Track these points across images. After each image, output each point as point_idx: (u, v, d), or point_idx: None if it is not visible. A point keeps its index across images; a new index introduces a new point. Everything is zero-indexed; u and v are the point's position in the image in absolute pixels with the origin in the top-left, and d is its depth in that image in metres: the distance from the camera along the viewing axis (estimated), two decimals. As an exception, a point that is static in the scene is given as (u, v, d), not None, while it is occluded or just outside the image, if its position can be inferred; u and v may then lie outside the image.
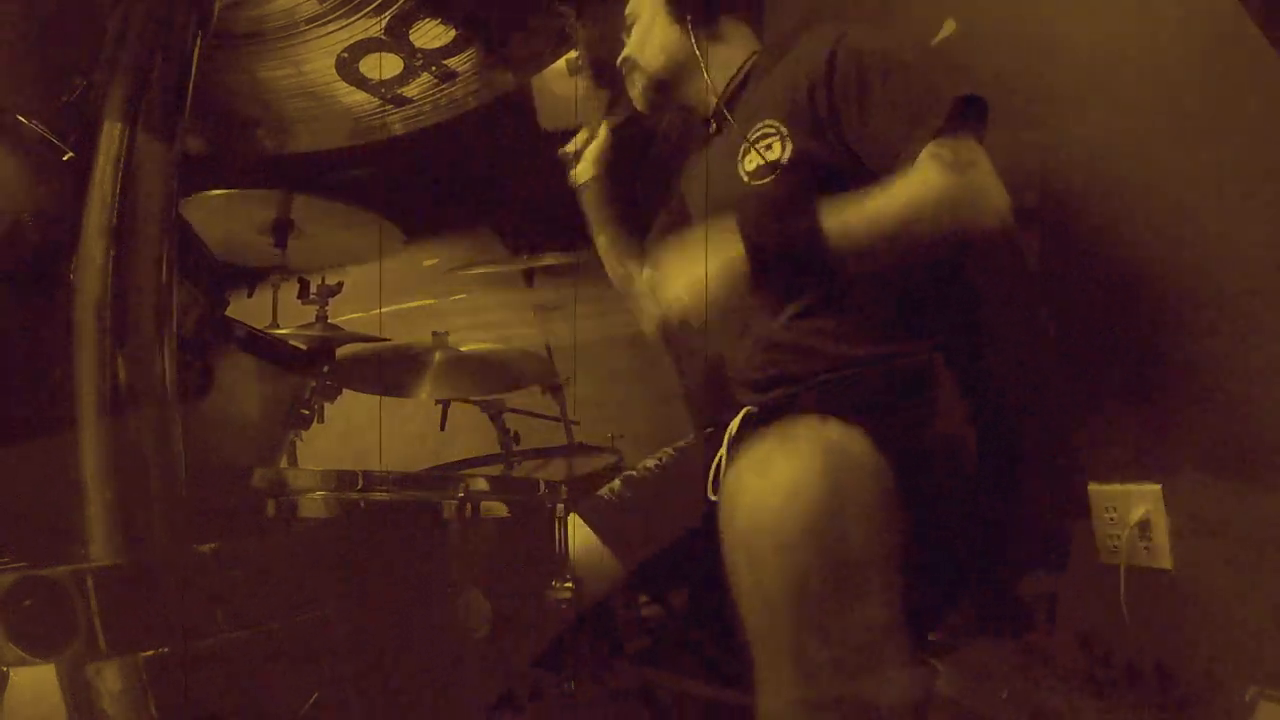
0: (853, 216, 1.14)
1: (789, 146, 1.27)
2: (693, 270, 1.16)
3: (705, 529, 1.26)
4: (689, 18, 1.41)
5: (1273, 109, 1.14)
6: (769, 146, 1.29)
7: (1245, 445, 1.23)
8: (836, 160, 1.25)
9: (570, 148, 1.68)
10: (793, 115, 1.28)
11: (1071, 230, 1.44)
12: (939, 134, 1.16)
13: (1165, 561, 1.33)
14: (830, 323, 1.26)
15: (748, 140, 1.32)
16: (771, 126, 1.30)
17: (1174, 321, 1.31)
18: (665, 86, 1.45)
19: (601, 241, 1.73)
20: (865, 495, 0.98)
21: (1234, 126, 1.19)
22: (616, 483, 1.39)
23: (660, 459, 1.41)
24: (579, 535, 1.23)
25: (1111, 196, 1.37)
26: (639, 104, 1.49)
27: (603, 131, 1.63)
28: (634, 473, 1.40)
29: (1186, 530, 1.31)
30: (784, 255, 1.16)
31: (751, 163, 1.31)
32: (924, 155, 1.15)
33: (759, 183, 1.30)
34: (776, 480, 0.97)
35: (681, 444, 1.42)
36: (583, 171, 1.68)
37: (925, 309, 1.26)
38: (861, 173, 1.24)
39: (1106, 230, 1.38)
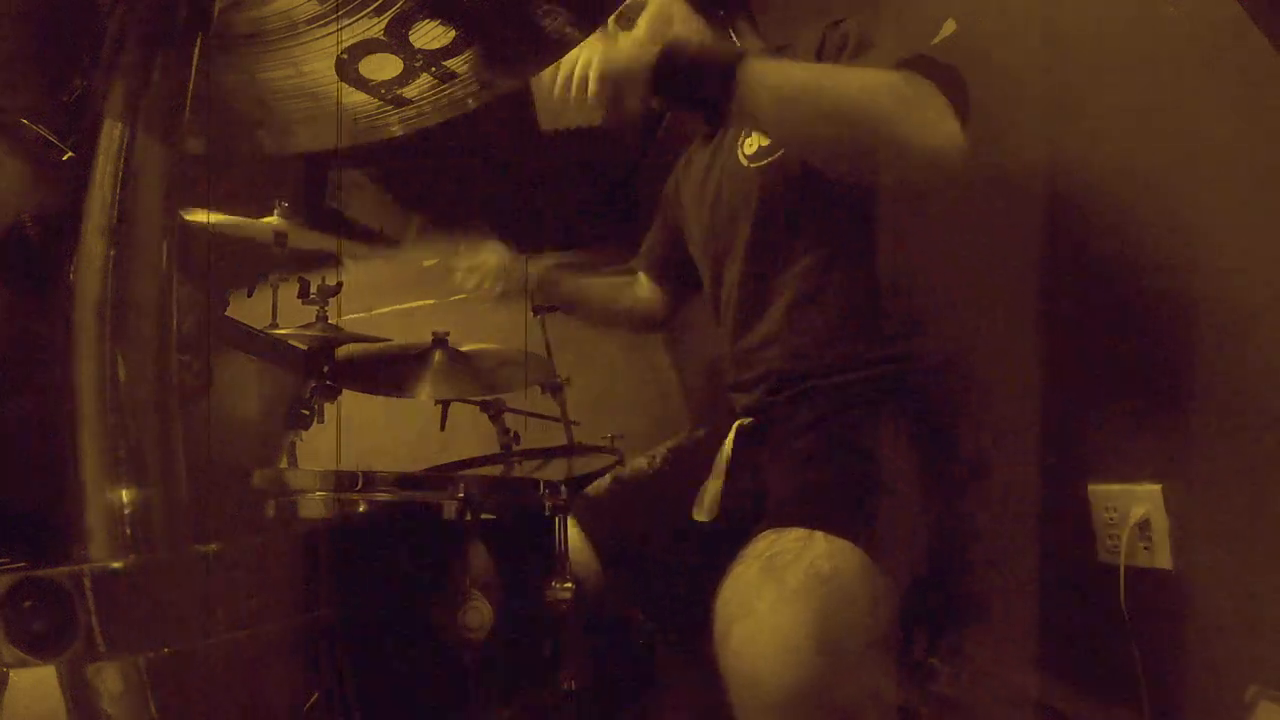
0: (782, 66, 1.09)
1: None
2: (594, 53, 1.10)
3: (694, 542, 1.26)
4: (722, 12, 1.40)
5: (1274, 106, 1.14)
6: None
7: (1245, 445, 1.23)
8: None
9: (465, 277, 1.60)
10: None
11: (1072, 228, 1.44)
12: (908, 65, 1.10)
13: (1165, 561, 1.33)
14: (821, 321, 1.26)
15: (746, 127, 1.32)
16: None
17: (1175, 320, 1.31)
18: None
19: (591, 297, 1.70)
20: (860, 629, 0.96)
21: (1237, 124, 1.19)
22: (607, 480, 1.39)
23: (653, 458, 1.40)
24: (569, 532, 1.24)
25: (1112, 195, 1.37)
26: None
27: (493, 242, 1.60)
28: (625, 472, 1.40)
29: (1186, 530, 1.31)
30: (693, 66, 1.09)
31: (751, 145, 1.31)
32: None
33: (759, 164, 1.29)
34: (764, 630, 0.93)
35: (674, 443, 1.42)
36: (505, 275, 1.59)
37: (915, 311, 1.26)
38: None
39: (1107, 228, 1.38)
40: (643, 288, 1.72)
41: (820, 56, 1.25)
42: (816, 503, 1.06)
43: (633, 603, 1.41)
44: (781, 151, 1.26)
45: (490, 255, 1.58)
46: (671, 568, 1.30)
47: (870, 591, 0.97)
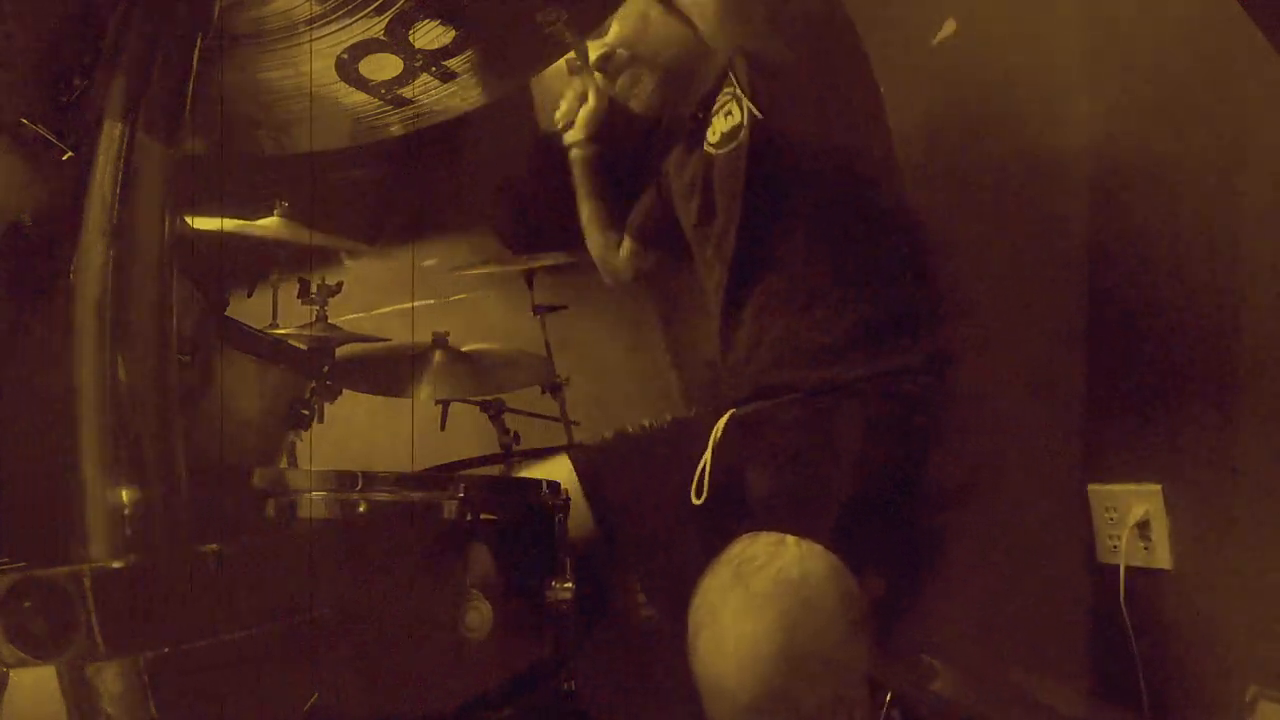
0: None
1: (746, 105, 1.26)
2: None
3: (689, 526, 1.26)
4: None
5: (1273, 103, 1.14)
6: (729, 113, 1.29)
7: (1245, 445, 1.23)
8: (797, 114, 1.23)
9: (561, 115, 1.66)
10: (747, 76, 1.27)
11: (1071, 228, 1.43)
12: None
13: (1165, 561, 1.33)
14: (802, 319, 1.25)
15: (710, 116, 1.32)
16: (728, 94, 1.29)
17: (1175, 319, 1.31)
18: (678, 81, 1.42)
19: (585, 210, 1.74)
20: (829, 633, 0.96)
21: (1236, 123, 1.19)
22: (609, 433, 1.39)
23: (656, 421, 1.41)
24: (563, 476, 1.24)
25: (1112, 194, 1.37)
26: (644, 106, 1.44)
27: (592, 97, 1.61)
28: (628, 428, 1.41)
29: (1186, 530, 1.31)
30: None
31: (714, 133, 1.31)
32: None
33: (725, 149, 1.29)
34: (728, 637, 0.94)
35: (680, 416, 1.42)
36: (575, 134, 1.66)
37: (913, 319, 1.25)
38: (824, 133, 1.23)
39: (1106, 228, 1.38)
40: (623, 248, 1.74)
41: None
42: (791, 506, 1.06)
43: (632, 578, 1.41)
44: (743, 135, 1.25)
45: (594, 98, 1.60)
46: (667, 544, 1.31)
47: (840, 596, 0.97)
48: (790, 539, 0.99)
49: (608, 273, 1.79)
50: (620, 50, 1.39)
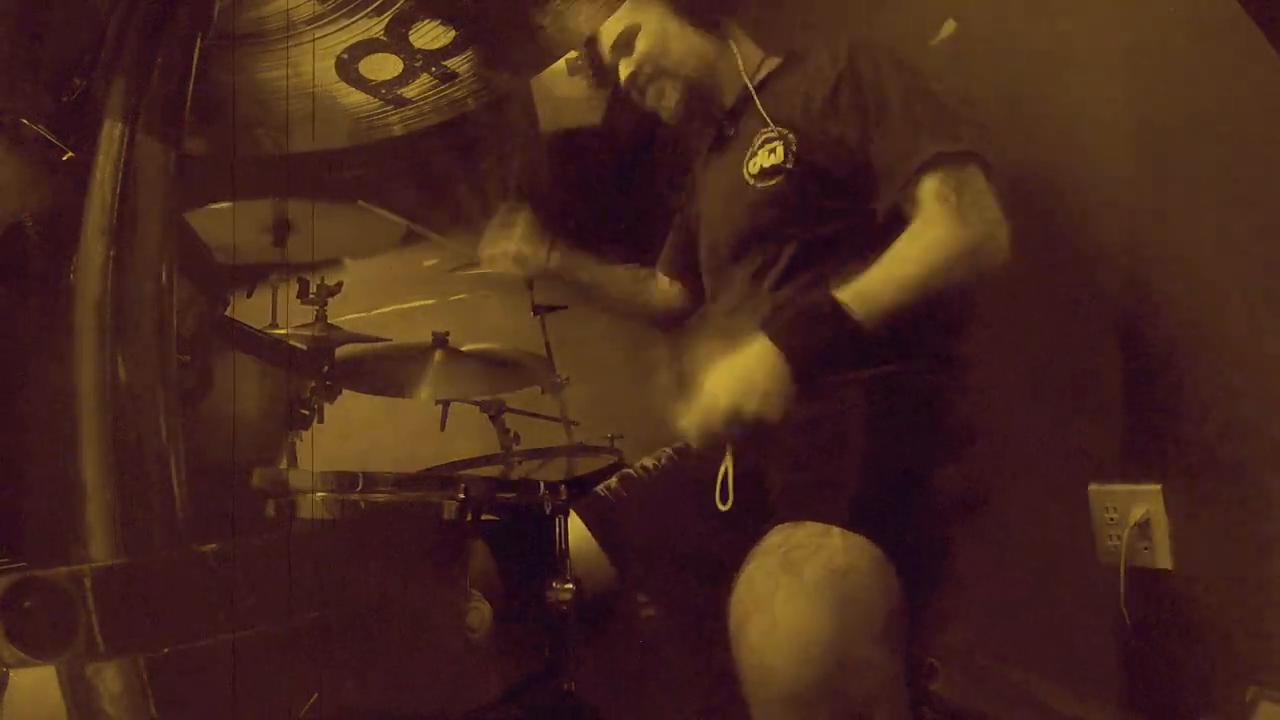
0: (875, 293, 1.13)
1: (792, 151, 1.28)
2: (735, 380, 1.13)
3: (707, 533, 1.26)
4: (719, 20, 1.42)
5: (1271, 108, 1.14)
6: (772, 150, 1.30)
7: (1245, 445, 1.23)
8: (840, 167, 1.25)
9: (489, 263, 1.59)
10: (803, 120, 1.29)
11: (1073, 230, 1.43)
12: (944, 161, 1.16)
13: (1165, 561, 1.33)
14: None
15: (754, 144, 1.33)
16: (775, 132, 1.31)
17: (1175, 320, 1.31)
18: (701, 92, 1.44)
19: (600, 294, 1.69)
20: (873, 624, 0.96)
21: (1235, 127, 1.19)
22: (614, 481, 1.39)
23: (659, 459, 1.41)
24: (575, 533, 1.23)
25: (1114, 196, 1.37)
26: (671, 117, 1.46)
27: (522, 218, 1.57)
28: (631, 472, 1.40)
29: (1186, 530, 1.31)
30: (823, 356, 1.14)
31: (756, 165, 1.32)
32: (929, 194, 1.15)
33: (764, 185, 1.31)
34: (780, 624, 0.94)
35: (681, 444, 1.42)
36: (526, 262, 1.59)
37: (925, 319, 1.26)
38: (864, 181, 1.24)
39: (1108, 229, 1.38)
40: (661, 283, 1.73)
41: (850, 92, 1.26)
42: (831, 498, 1.06)
43: (639, 591, 1.41)
44: (784, 175, 1.28)
45: (513, 241, 1.56)
46: (679, 560, 1.31)
47: (884, 587, 0.98)
48: (835, 529, 0.99)
49: (657, 318, 1.75)
50: (645, 67, 1.41)
